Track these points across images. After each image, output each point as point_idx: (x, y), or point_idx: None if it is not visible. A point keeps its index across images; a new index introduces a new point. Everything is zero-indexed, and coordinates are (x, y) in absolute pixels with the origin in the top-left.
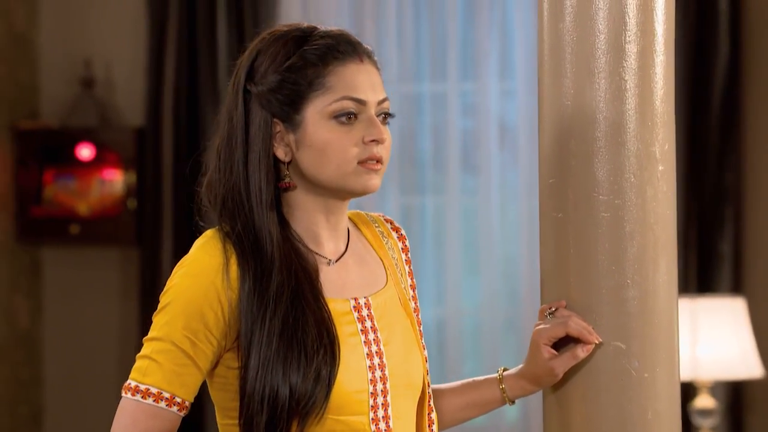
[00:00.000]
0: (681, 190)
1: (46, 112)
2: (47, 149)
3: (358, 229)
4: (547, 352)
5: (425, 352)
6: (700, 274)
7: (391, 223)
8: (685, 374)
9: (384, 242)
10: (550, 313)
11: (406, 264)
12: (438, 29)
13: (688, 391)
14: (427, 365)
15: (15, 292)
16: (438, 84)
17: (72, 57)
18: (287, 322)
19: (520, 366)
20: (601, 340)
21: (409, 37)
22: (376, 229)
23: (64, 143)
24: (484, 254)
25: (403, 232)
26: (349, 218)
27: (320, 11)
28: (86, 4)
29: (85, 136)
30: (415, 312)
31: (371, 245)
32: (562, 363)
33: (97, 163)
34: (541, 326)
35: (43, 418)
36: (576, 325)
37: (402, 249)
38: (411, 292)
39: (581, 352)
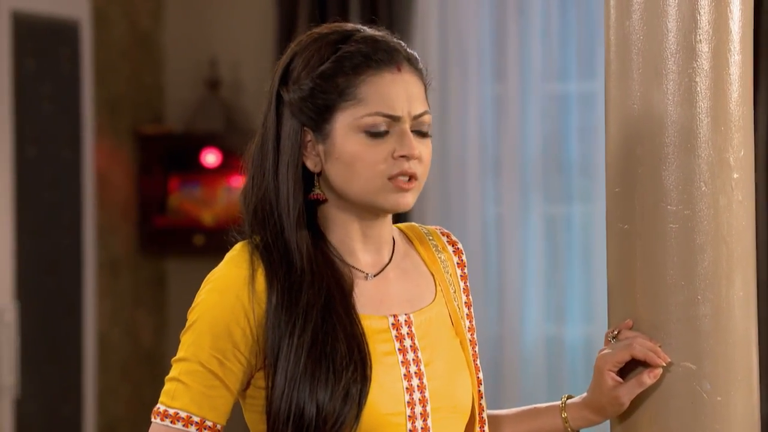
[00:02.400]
0: None
1: (170, 115)
2: (171, 155)
3: (411, 242)
4: (612, 379)
5: (480, 375)
6: None
7: (448, 237)
8: None
9: (437, 256)
10: (613, 337)
11: (462, 280)
12: (586, 23)
13: None
14: (482, 388)
15: (138, 307)
16: (586, 83)
17: (197, 57)
18: (316, 337)
19: (584, 394)
20: (669, 360)
21: (554, 32)
22: (430, 243)
23: (188, 149)
24: None
25: (460, 246)
26: (402, 231)
27: (459, 9)
28: (213, 2)
29: (211, 140)
30: (469, 331)
31: (423, 260)
32: (628, 391)
33: (223, 169)
34: (605, 351)
35: None
36: (641, 347)
37: (458, 264)
38: (466, 310)
39: (648, 378)
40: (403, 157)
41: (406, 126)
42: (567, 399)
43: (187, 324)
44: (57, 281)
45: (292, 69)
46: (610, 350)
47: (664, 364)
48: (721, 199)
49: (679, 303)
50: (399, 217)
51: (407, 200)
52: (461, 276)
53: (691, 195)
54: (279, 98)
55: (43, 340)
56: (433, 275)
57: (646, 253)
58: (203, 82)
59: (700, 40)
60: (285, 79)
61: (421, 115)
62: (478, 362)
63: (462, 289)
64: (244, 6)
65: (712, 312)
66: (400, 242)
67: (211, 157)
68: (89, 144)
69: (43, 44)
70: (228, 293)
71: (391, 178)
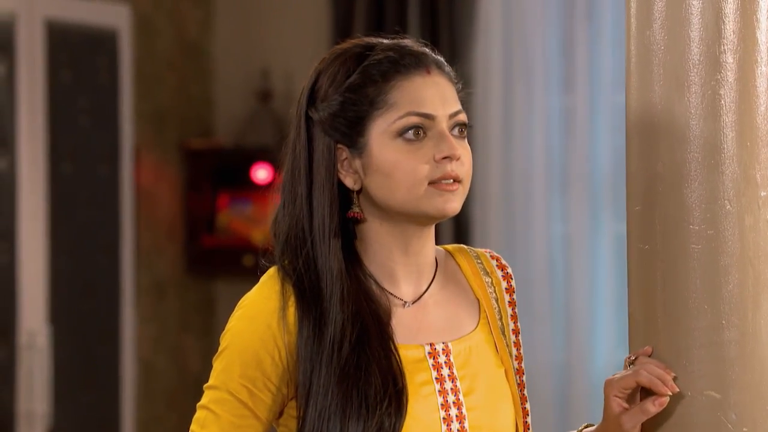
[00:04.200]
0: None
1: (219, 129)
2: (220, 171)
3: (458, 264)
4: (618, 405)
5: (527, 405)
6: None
7: (498, 260)
8: None
9: (485, 280)
10: (631, 363)
11: (510, 306)
12: None
13: None
14: (529, 420)
15: (184, 332)
16: None
17: (248, 68)
18: (347, 371)
19: (600, 422)
20: (677, 390)
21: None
22: (478, 266)
23: (238, 164)
24: None
25: (509, 270)
26: (449, 253)
27: (525, 16)
28: (264, 9)
29: (262, 155)
30: (516, 360)
31: (469, 284)
32: (631, 418)
33: (275, 185)
34: (614, 376)
35: None
36: (647, 374)
37: (506, 289)
38: (513, 338)
39: (652, 406)
40: (445, 158)
41: (444, 126)
42: (585, 428)
43: (219, 349)
44: (94, 304)
45: (318, 88)
46: (619, 375)
47: (670, 393)
48: (746, 218)
49: (702, 328)
50: (458, 238)
51: (453, 205)
52: (509, 302)
53: (714, 214)
54: (308, 120)
55: (78, 367)
56: (478, 300)
57: (667, 275)
58: (254, 93)
59: (725, 50)
60: (312, 99)
61: (456, 114)
62: (525, 392)
63: (510, 316)
64: (297, 14)
65: (737, 338)
66: (445, 264)
67: (262, 173)
68: (128, 159)
69: (79, 55)
70: (258, 321)
71: (433, 182)
